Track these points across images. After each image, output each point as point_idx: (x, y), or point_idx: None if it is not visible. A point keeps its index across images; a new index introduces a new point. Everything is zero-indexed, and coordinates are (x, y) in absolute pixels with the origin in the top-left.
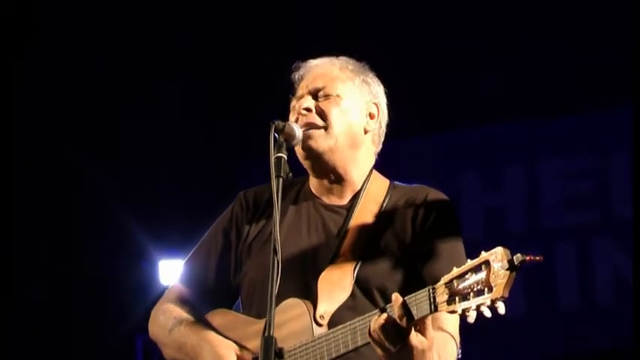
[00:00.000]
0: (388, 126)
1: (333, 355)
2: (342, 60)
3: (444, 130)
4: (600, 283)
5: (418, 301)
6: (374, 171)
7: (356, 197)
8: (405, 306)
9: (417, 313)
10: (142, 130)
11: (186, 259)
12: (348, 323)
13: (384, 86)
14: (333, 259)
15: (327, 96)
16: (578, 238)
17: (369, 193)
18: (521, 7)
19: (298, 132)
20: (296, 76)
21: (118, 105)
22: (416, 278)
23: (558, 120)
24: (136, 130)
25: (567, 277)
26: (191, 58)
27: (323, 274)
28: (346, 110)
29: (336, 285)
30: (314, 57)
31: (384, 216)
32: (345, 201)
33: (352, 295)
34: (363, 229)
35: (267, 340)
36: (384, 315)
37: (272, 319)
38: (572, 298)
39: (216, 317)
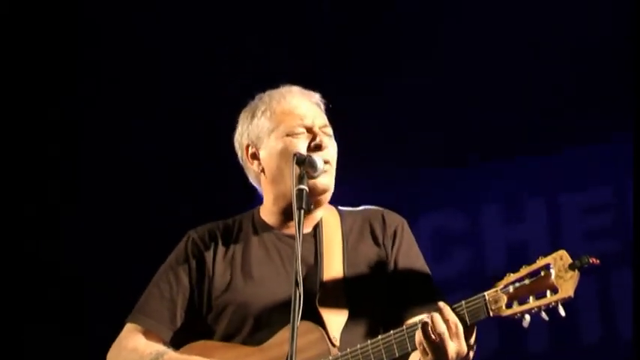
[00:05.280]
0: (408, 156)
1: None
2: (317, 95)
3: (467, 162)
4: (621, 316)
5: (470, 308)
6: None
7: (317, 226)
8: (457, 314)
9: (470, 319)
10: None
11: (141, 301)
12: (379, 337)
13: (409, 117)
14: (320, 285)
15: (329, 135)
16: (599, 269)
17: (326, 220)
18: (534, 42)
19: (320, 164)
20: (280, 98)
21: None
22: (400, 291)
23: (577, 150)
24: None
25: (588, 310)
26: None
27: (317, 300)
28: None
29: (334, 308)
30: None
31: (348, 239)
32: (308, 229)
33: (350, 315)
34: (335, 253)
35: None
36: (436, 322)
37: (294, 350)
38: (594, 332)
39: (200, 348)
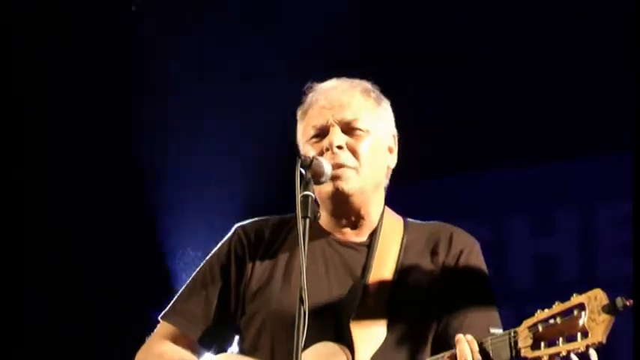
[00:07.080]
0: (430, 163)
1: None
2: (361, 84)
3: (490, 170)
4: None
5: (495, 345)
6: (386, 207)
7: (374, 234)
8: (482, 350)
9: (494, 357)
10: None
11: (177, 297)
12: None
13: (431, 123)
14: (362, 300)
15: (357, 130)
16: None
17: (386, 231)
18: (570, 45)
19: (327, 169)
20: (312, 98)
21: None
22: (449, 318)
23: (612, 159)
24: None
25: (624, 332)
26: None
27: (354, 317)
28: (375, 148)
29: (370, 329)
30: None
31: (407, 254)
32: (362, 238)
33: (386, 341)
34: (387, 268)
35: None
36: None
37: None
38: (631, 353)
39: None
